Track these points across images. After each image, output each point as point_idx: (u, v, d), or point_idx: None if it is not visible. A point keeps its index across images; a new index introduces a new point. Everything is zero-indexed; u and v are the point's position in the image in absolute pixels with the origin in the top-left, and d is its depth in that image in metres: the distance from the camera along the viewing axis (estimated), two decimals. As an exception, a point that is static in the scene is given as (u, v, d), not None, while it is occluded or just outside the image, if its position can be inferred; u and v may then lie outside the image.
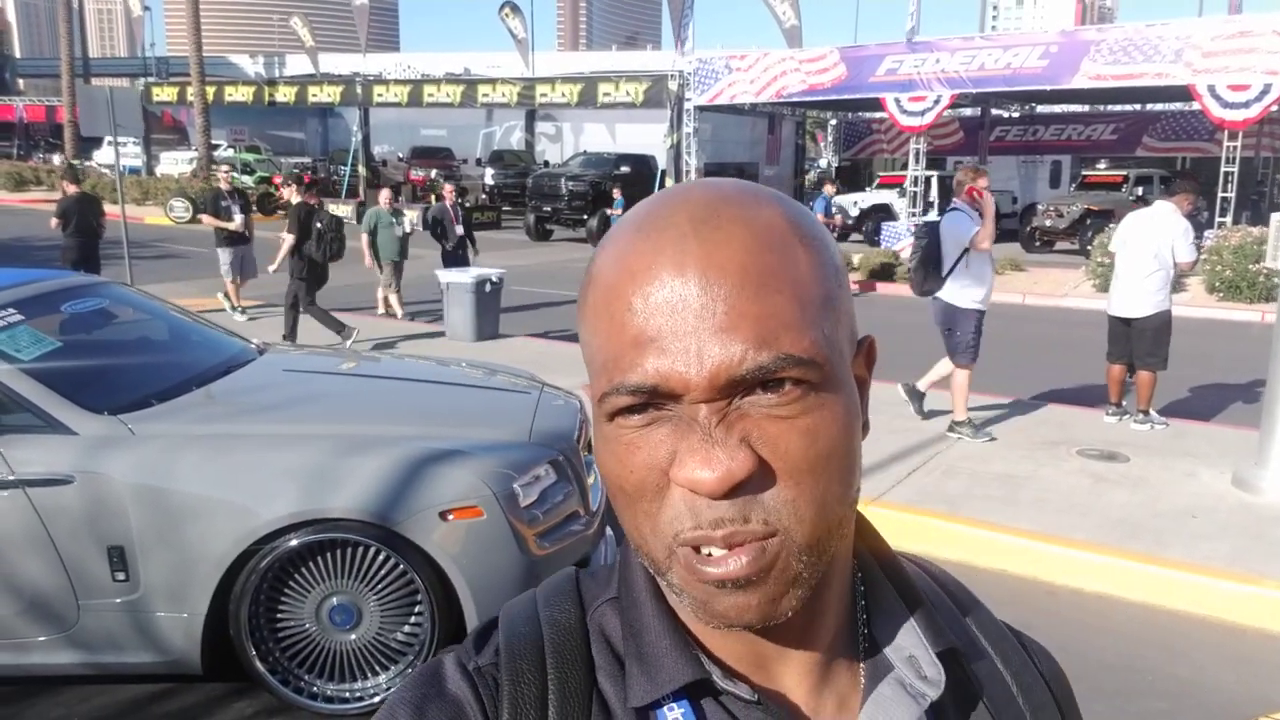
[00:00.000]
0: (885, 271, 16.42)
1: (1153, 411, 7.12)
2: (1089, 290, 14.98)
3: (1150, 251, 6.94)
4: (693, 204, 0.57)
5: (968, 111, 27.12)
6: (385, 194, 12.08)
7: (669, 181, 22.80)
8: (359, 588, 3.48)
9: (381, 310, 11.87)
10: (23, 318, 3.85)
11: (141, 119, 12.21)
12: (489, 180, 28.57)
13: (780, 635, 0.61)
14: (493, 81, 27.83)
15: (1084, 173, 24.65)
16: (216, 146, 30.97)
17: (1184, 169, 25.71)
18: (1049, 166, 27.74)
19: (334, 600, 3.49)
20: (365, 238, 11.56)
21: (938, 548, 5.02)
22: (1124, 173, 22.70)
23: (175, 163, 32.89)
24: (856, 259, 16.57)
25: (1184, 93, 17.86)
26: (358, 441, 3.59)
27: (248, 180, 25.91)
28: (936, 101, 19.29)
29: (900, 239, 19.29)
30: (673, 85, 23.34)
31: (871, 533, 0.71)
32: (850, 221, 22.33)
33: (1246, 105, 16.24)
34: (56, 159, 36.36)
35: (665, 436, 0.55)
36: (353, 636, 3.52)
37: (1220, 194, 17.05)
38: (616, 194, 20.20)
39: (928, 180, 21.33)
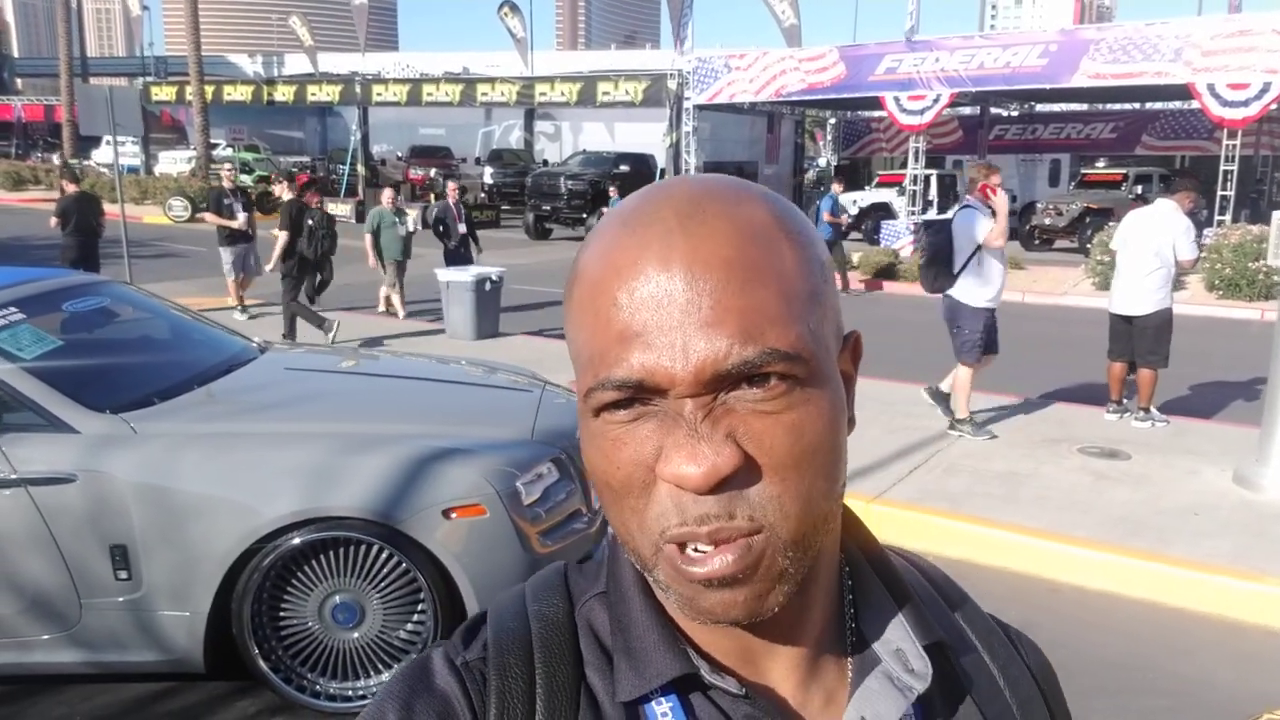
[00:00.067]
0: (890, 270, 16.43)
1: (1154, 409, 7.13)
2: (1088, 288, 14.99)
3: (1152, 249, 6.95)
4: (677, 199, 0.57)
5: (967, 110, 27.13)
6: (388, 193, 12.09)
7: (668, 180, 22.74)
8: (362, 586, 3.48)
9: (383, 308, 11.88)
10: (24, 316, 3.85)
11: (141, 118, 12.18)
12: (488, 179, 28.58)
13: (768, 630, 0.61)
14: (492, 81, 27.80)
15: (1083, 171, 24.64)
16: (215, 146, 30.91)
17: (1183, 167, 25.73)
18: (1048, 165, 27.71)
19: (337, 599, 3.49)
20: (368, 238, 11.57)
21: (939, 545, 5.02)
22: (1123, 171, 22.70)
23: (174, 162, 32.85)
24: (856, 257, 16.58)
25: (1183, 91, 17.87)
26: (360, 440, 3.59)
27: (246, 179, 25.88)
28: (936, 100, 19.29)
29: (899, 237, 19.30)
30: (672, 84, 23.32)
31: (858, 527, 0.71)
32: (850, 220, 22.33)
33: (1246, 104, 16.25)
34: (56, 158, 36.32)
35: (651, 432, 0.55)
36: (355, 635, 3.52)
37: (1219, 192, 17.05)
38: (614, 193, 20.19)
39: (927, 179, 21.33)
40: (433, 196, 23.92)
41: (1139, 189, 20.90)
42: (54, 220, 10.96)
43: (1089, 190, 22.21)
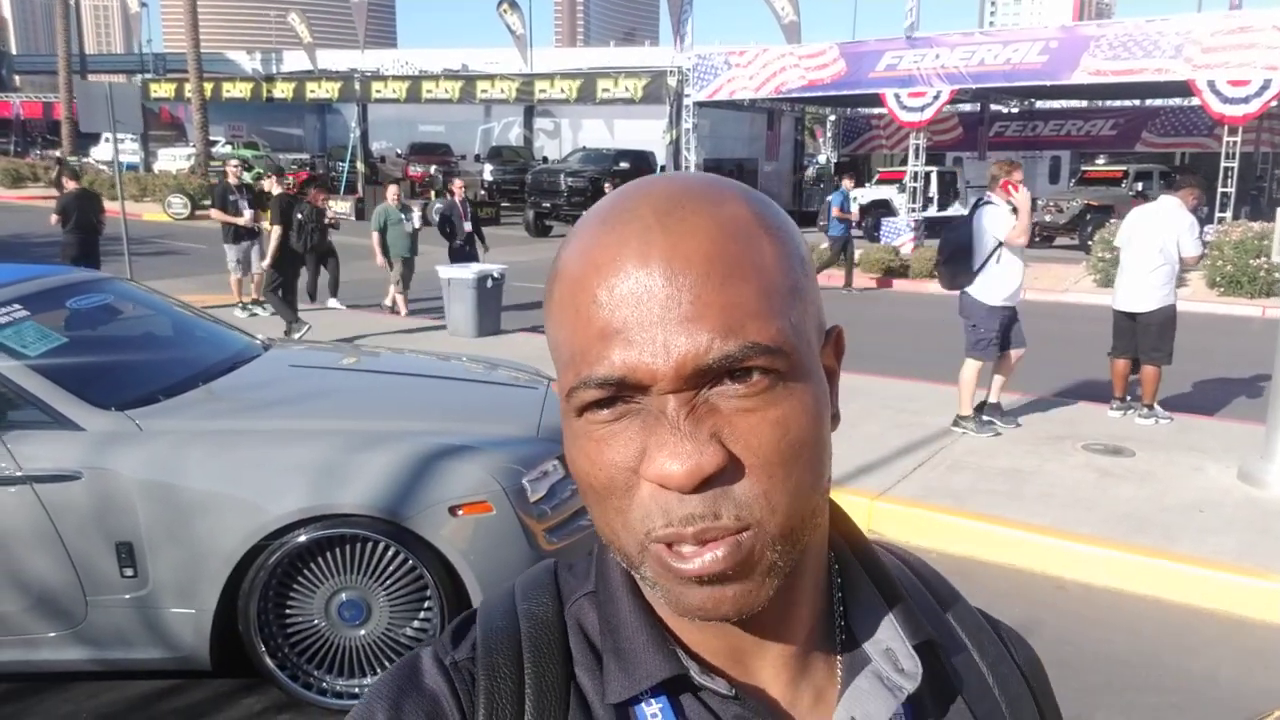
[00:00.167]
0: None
1: (1157, 406, 7.12)
2: (1090, 285, 15.00)
3: (1155, 246, 6.94)
4: (656, 196, 0.57)
5: (967, 107, 27.11)
6: (393, 190, 12.09)
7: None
8: (368, 583, 3.47)
9: (389, 303, 11.89)
10: (28, 313, 3.84)
11: (140, 115, 12.17)
12: (488, 176, 28.59)
13: (756, 627, 0.61)
14: (491, 77, 27.77)
15: (1083, 168, 24.66)
16: (214, 143, 30.91)
17: (1183, 164, 25.73)
18: (1048, 162, 27.70)
19: (343, 596, 3.48)
20: (375, 235, 11.57)
21: (944, 542, 5.01)
22: (1123, 168, 22.73)
23: (173, 159, 32.80)
24: (857, 255, 16.59)
25: (1183, 88, 17.85)
26: (366, 437, 3.58)
27: (246, 177, 25.84)
28: (936, 97, 19.27)
29: (900, 234, 19.29)
30: (672, 81, 23.30)
31: (846, 522, 0.70)
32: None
33: (1246, 100, 16.24)
34: (57, 153, 36.26)
35: (635, 433, 0.55)
36: (362, 632, 3.52)
37: (1220, 189, 17.05)
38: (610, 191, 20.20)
39: (927, 176, 21.32)
40: (432, 194, 23.90)
41: (1139, 186, 20.92)
42: (54, 218, 10.96)
43: (1089, 187, 22.23)
